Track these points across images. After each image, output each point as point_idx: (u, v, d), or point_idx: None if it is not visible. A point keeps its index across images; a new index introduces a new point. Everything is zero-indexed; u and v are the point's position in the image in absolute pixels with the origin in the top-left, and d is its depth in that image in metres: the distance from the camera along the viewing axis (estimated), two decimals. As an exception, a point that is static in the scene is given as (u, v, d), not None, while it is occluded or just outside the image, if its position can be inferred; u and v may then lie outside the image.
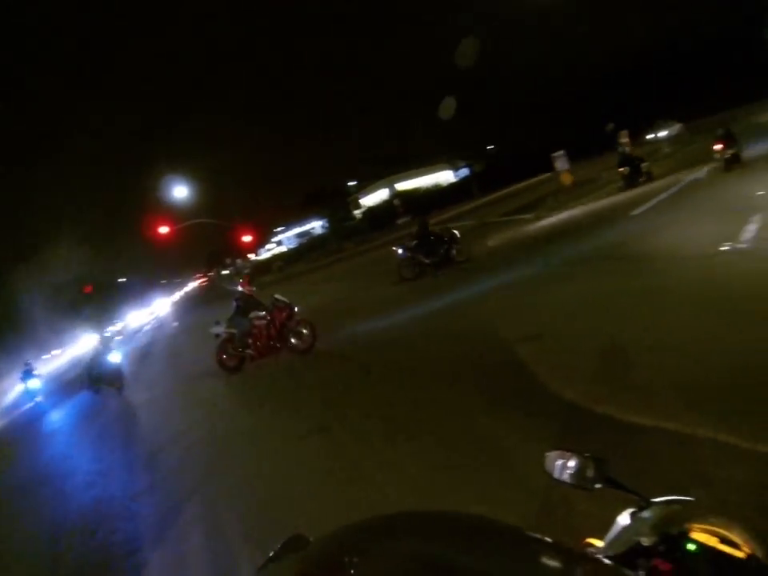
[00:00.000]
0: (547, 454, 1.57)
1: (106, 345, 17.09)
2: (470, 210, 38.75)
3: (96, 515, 6.61)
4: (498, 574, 0.91)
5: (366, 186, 74.76)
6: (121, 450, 9.57)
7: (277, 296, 12.18)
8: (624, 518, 1.35)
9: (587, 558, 1.16)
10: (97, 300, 77.03)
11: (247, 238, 37.37)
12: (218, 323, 12.16)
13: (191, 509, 5.80)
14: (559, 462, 1.51)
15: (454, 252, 16.29)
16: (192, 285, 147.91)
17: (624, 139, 32.66)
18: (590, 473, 1.42)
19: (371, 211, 62.97)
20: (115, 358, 15.74)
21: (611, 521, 1.38)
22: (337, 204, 76.37)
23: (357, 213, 70.57)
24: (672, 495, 1.36)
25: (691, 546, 1.23)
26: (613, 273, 10.05)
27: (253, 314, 11.99)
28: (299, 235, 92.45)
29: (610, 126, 36.71)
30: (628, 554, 1.25)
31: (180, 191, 32.21)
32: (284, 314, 11.85)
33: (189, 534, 5.17)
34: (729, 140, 18.18)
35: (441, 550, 0.98)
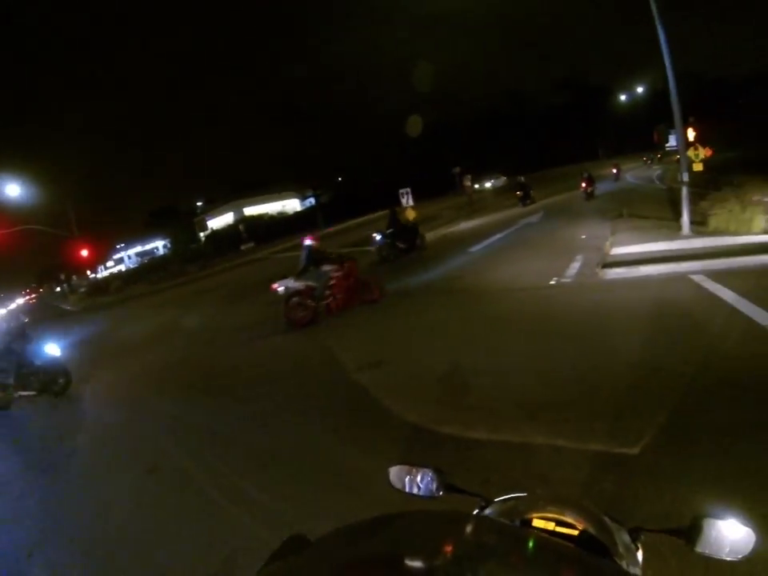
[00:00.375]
0: (390, 468, 1.67)
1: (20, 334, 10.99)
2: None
3: None
4: None
5: (213, 209, 73.16)
6: None
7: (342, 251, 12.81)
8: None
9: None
10: None
11: (84, 252, 34.83)
12: (284, 277, 11.81)
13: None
14: (404, 476, 1.64)
15: (419, 241, 19.45)
16: (18, 302, 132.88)
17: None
18: (432, 483, 1.61)
19: (216, 234, 61.49)
20: (52, 349, 10.65)
21: None
22: (182, 224, 74.05)
23: (202, 235, 68.60)
24: (511, 494, 1.59)
25: None
26: (453, 304, 10.70)
27: (327, 266, 11.85)
28: (141, 254, 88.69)
29: (457, 170, 38.89)
30: None
31: (12, 189, 28.80)
32: (355, 266, 12.29)
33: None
34: (590, 180, 25.36)
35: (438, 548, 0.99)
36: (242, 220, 60.42)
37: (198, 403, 8.09)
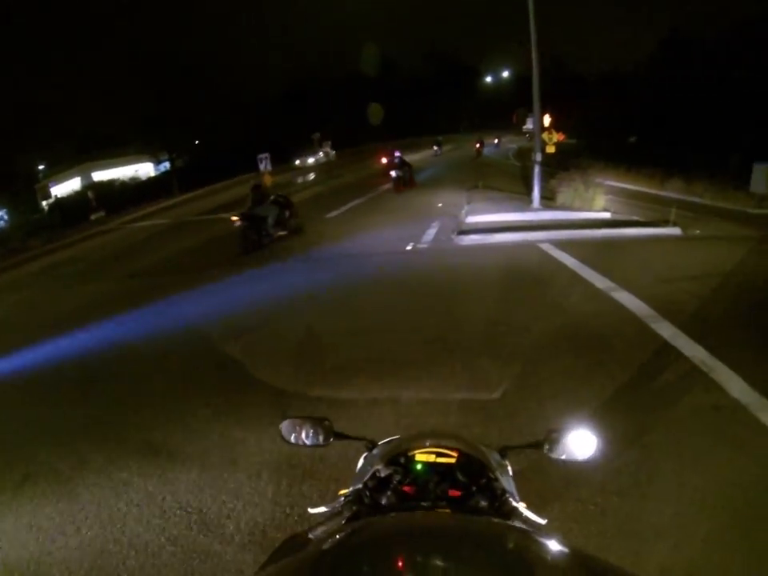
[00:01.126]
0: (281, 423, 1.78)
1: None
2: (168, 207, 36.76)
3: None
4: None
5: (57, 173, 67.56)
6: None
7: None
8: (360, 461, 1.74)
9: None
10: None
11: None
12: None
13: None
14: (293, 429, 1.77)
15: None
16: None
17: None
18: (321, 432, 1.76)
19: (61, 203, 57.10)
20: None
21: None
22: (21, 191, 68.01)
23: (45, 204, 63.42)
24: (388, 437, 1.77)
25: (417, 466, 1.50)
26: (313, 269, 10.78)
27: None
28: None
29: (316, 135, 38.83)
30: (373, 485, 1.47)
31: None
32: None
33: None
34: (482, 144, 29.97)
35: (437, 549, 0.99)
36: (90, 186, 56.45)
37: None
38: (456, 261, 9.87)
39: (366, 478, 1.49)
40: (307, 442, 1.75)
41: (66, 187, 63.17)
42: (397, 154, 21.17)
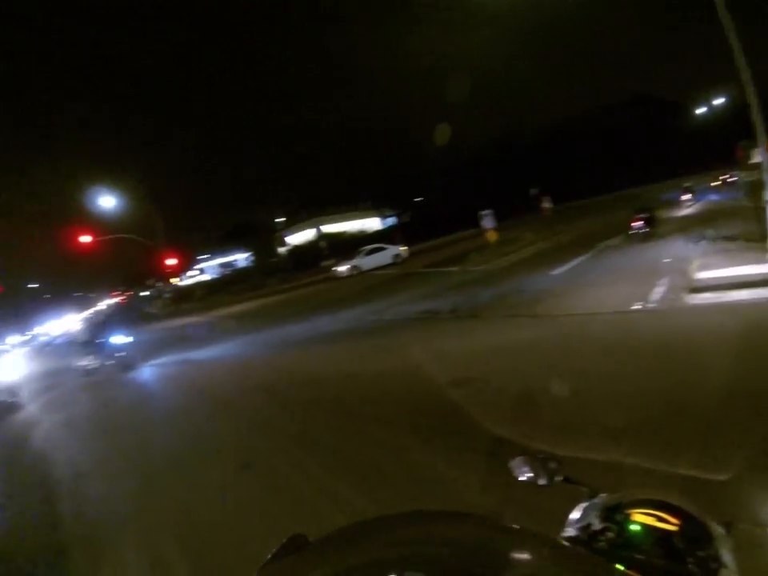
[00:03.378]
0: (513, 459, 1.80)
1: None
2: None
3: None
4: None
5: (292, 225, 74.40)
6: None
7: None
8: (577, 510, 1.64)
9: (557, 544, 1.24)
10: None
11: (171, 261, 36.75)
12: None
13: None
14: (523, 465, 1.76)
15: None
16: (107, 302, 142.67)
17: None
18: (549, 472, 1.70)
19: (296, 250, 62.47)
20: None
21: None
22: (263, 239, 75.67)
23: (281, 250, 69.95)
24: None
25: (634, 527, 1.44)
26: (537, 325, 10.61)
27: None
28: (222, 265, 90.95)
29: (534, 191, 37.84)
30: (585, 537, 1.46)
31: (107, 201, 31.61)
32: None
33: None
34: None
35: (437, 549, 1.03)
36: (322, 236, 61.20)
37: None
38: (687, 321, 9.02)
39: (578, 525, 1.52)
40: (534, 479, 1.73)
41: (300, 237, 68.74)
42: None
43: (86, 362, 15.70)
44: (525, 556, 1.04)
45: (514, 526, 1.18)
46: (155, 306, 57.62)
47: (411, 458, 5.50)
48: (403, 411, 7.02)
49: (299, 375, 10.59)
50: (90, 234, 31.87)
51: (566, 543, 1.35)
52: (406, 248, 35.47)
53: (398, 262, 32.86)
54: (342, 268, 33.20)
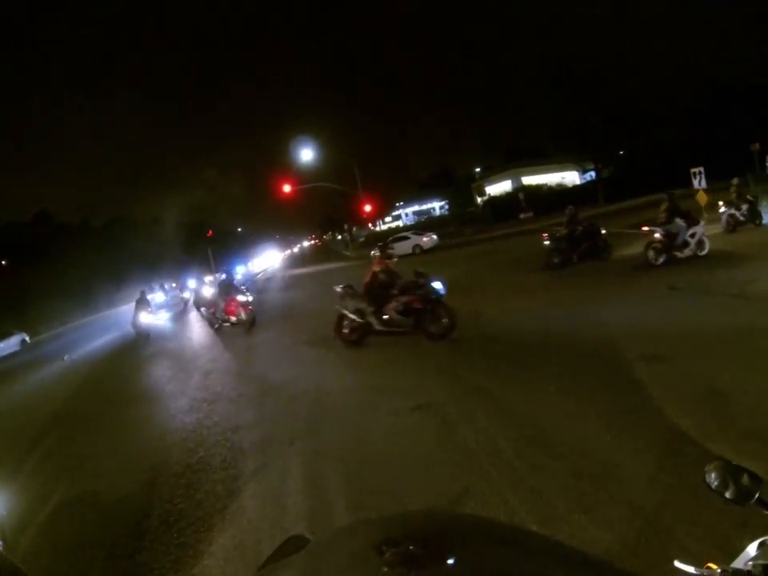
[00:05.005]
0: (710, 463, 1.54)
1: None
2: (593, 215, 36.76)
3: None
4: None
5: (490, 175, 73.46)
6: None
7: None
8: (755, 546, 1.37)
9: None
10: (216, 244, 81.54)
11: (367, 208, 38.26)
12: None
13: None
14: (720, 474, 1.50)
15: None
16: (304, 244, 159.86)
17: None
18: (744, 485, 1.44)
19: (493, 201, 61.68)
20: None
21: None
22: (460, 188, 75.67)
23: (479, 200, 69.55)
24: None
25: None
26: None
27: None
28: (418, 213, 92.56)
29: (756, 147, 32.94)
30: (756, 573, 1.23)
31: (306, 154, 33.82)
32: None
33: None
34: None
35: (432, 549, 1.03)
36: (520, 188, 59.76)
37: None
38: None
39: (754, 561, 1.27)
40: (721, 492, 1.47)
41: (498, 188, 67.94)
42: None
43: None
44: None
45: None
46: (349, 249, 60.92)
47: (580, 426, 5.32)
48: (583, 381, 6.61)
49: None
50: (291, 183, 34.33)
51: None
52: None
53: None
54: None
